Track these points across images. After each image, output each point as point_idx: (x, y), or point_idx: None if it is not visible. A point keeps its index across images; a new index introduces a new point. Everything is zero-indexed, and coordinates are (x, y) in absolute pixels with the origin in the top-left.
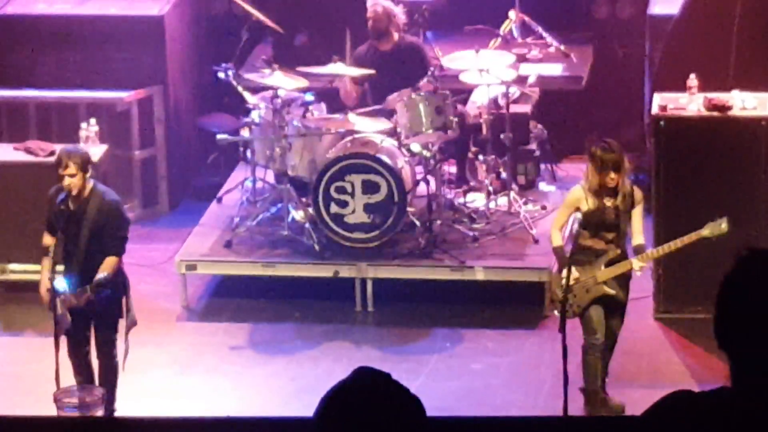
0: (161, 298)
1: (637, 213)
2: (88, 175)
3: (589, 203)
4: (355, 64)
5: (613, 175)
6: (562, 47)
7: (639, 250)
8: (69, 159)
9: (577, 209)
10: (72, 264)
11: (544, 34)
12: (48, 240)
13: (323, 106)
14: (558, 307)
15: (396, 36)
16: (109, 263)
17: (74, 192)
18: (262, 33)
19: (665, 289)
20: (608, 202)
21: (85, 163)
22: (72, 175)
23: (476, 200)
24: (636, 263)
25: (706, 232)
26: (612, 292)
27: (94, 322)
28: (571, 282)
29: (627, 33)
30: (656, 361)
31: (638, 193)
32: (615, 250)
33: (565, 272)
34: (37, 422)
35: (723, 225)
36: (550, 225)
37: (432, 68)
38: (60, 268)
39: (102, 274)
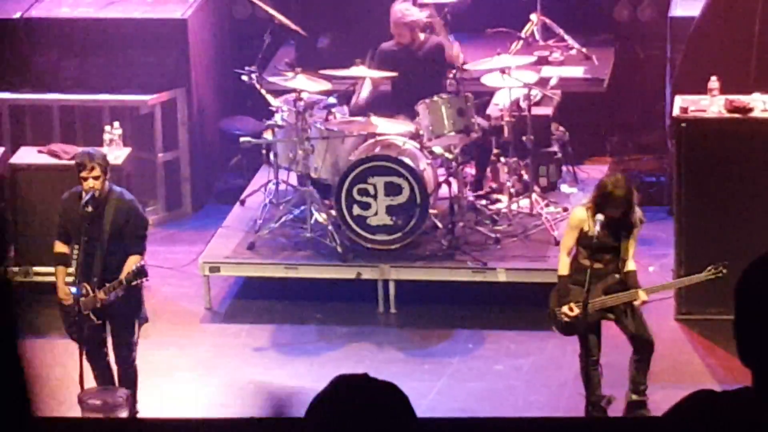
0: (184, 299)
1: (633, 237)
2: (107, 176)
3: (592, 225)
4: (380, 62)
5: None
6: (584, 49)
7: (631, 278)
8: (93, 161)
9: (581, 229)
10: (93, 266)
11: (566, 37)
12: (61, 248)
13: (346, 108)
14: (556, 324)
15: (422, 36)
16: (132, 262)
17: (98, 194)
18: (284, 36)
19: (686, 290)
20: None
21: (107, 164)
22: (96, 177)
23: (498, 202)
24: (642, 295)
25: (705, 275)
26: (611, 316)
27: (110, 325)
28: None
29: (648, 35)
30: (677, 361)
31: (638, 214)
32: (613, 275)
33: (567, 304)
34: (61, 423)
35: (724, 270)
36: (559, 250)
37: (455, 69)
38: (71, 270)
39: (129, 270)
